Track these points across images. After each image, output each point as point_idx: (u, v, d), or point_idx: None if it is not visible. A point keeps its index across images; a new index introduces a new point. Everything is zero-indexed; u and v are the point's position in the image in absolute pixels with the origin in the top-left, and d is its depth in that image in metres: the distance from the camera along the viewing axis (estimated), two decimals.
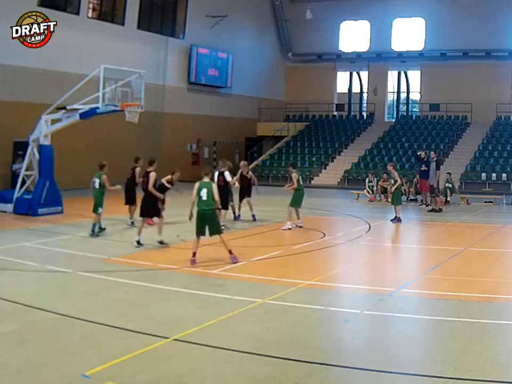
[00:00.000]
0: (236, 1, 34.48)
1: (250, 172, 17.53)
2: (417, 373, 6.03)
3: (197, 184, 10.99)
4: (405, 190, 23.56)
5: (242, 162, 17.81)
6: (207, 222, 10.95)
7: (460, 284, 9.79)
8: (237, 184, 16.78)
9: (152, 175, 12.79)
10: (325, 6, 36.93)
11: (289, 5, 38.71)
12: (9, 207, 17.89)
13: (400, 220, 17.04)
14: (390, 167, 17.81)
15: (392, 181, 17.72)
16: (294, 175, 15.68)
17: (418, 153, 22.05)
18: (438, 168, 20.19)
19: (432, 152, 21.28)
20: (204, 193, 10.86)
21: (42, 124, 17.78)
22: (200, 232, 10.99)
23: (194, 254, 10.99)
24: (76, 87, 17.43)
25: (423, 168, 20.94)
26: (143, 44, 29.16)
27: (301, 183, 15.90)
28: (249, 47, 36.50)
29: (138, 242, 12.55)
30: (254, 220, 16.78)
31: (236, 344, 6.73)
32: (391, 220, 17.12)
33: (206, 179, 11.10)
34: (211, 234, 11.08)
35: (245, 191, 17.03)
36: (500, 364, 6.29)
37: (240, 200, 17.04)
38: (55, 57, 23.92)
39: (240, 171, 17.11)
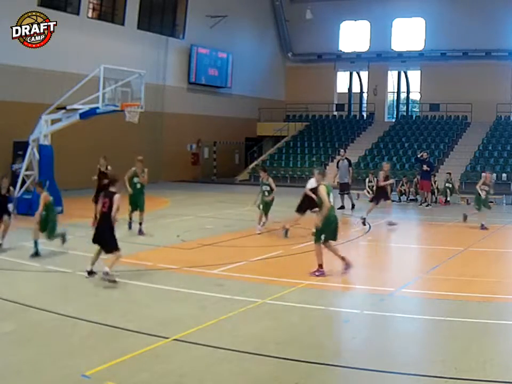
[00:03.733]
0: (236, 1, 34.50)
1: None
2: (417, 373, 6.02)
3: (324, 188, 10.03)
4: (405, 189, 23.71)
5: (385, 164, 17.30)
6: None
7: (460, 283, 9.78)
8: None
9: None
10: (325, 6, 36.92)
11: (289, 5, 38.71)
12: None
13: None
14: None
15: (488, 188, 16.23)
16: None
17: (419, 155, 22.64)
18: (350, 165, 20.95)
19: (341, 150, 22.82)
20: (332, 197, 10.16)
21: (42, 123, 17.76)
22: (336, 237, 10.36)
23: (321, 265, 10.14)
24: (76, 87, 17.43)
25: (425, 168, 21.56)
26: (143, 44, 29.18)
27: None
28: (249, 47, 36.49)
29: None
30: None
31: (236, 344, 6.73)
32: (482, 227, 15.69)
33: (325, 180, 10.30)
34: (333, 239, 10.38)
35: (384, 194, 16.98)
36: (500, 364, 6.29)
37: (377, 203, 16.82)
38: (55, 57, 23.93)
39: (383, 173, 16.79)
